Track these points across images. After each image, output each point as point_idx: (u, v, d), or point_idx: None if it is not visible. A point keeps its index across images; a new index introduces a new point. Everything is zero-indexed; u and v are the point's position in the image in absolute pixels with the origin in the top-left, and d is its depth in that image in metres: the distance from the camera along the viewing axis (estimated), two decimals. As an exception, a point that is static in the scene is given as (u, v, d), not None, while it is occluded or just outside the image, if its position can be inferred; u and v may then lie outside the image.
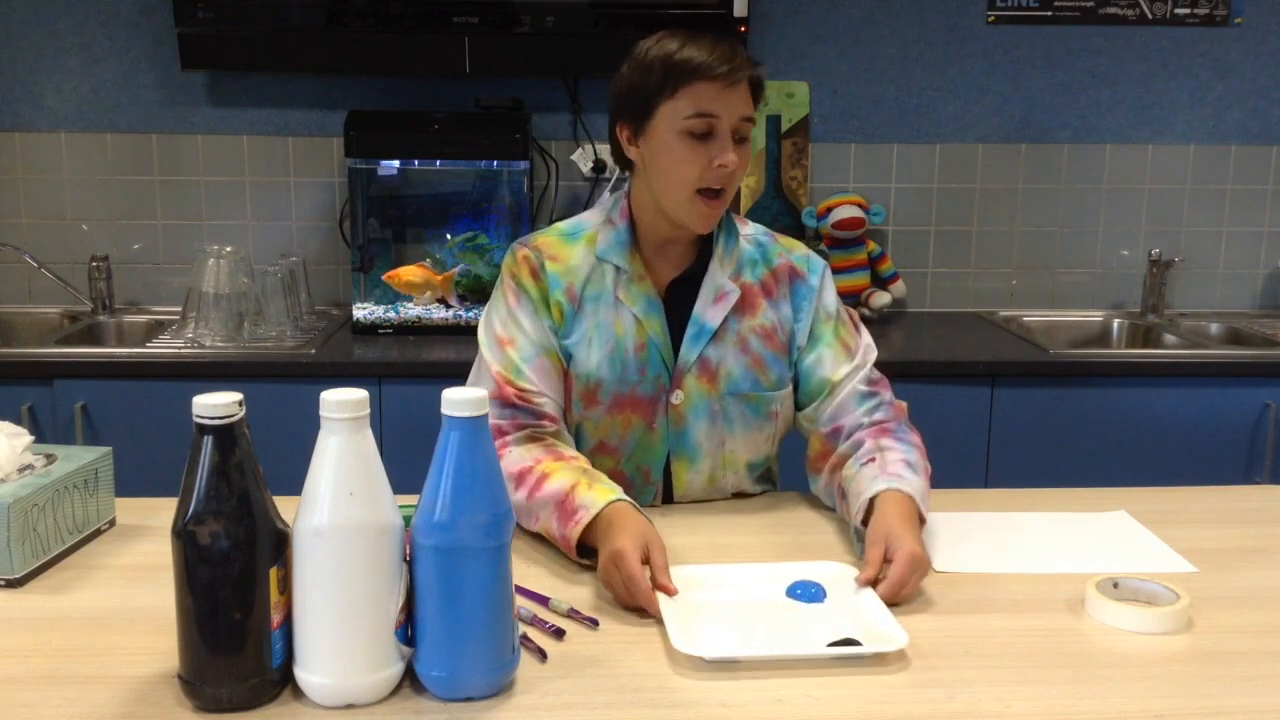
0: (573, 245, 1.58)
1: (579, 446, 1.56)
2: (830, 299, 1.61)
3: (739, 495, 1.64)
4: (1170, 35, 2.97)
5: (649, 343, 1.54)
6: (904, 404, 1.63)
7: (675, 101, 1.45)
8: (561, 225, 1.62)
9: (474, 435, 1.02)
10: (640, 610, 1.22)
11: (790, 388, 1.60)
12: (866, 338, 1.63)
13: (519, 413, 1.49)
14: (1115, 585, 1.25)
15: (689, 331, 1.55)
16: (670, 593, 1.23)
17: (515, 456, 1.45)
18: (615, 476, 1.55)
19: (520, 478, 1.42)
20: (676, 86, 1.44)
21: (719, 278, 1.56)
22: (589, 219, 1.62)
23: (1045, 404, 2.53)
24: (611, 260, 1.56)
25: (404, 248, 2.81)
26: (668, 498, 1.60)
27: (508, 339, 1.53)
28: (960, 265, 3.06)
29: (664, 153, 1.47)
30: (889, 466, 1.43)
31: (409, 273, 2.67)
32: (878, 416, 1.55)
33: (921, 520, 1.37)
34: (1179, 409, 2.54)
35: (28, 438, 1.36)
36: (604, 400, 1.54)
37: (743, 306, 1.57)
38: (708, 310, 1.55)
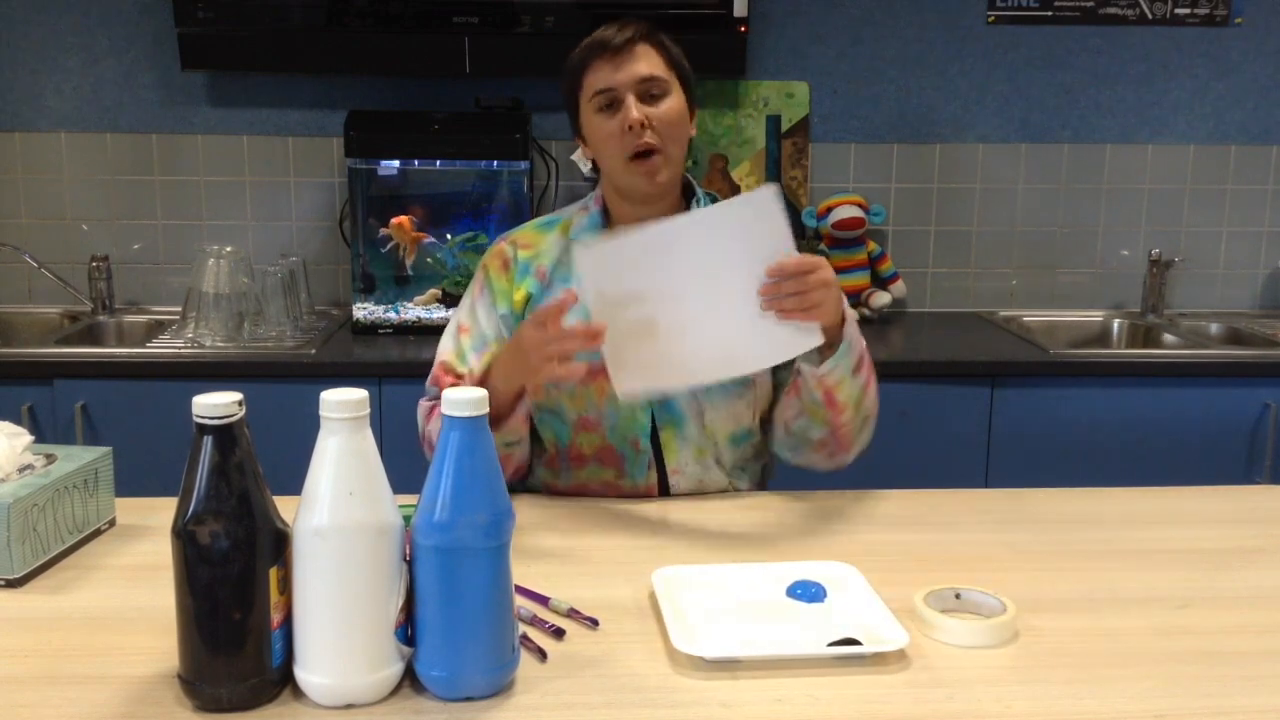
0: (547, 233, 1.68)
1: (560, 426, 1.61)
2: None
3: (735, 492, 1.65)
4: (1170, 35, 2.97)
5: None
6: None
7: (585, 92, 1.58)
8: (540, 218, 1.73)
9: (474, 435, 1.02)
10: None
11: None
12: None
13: None
14: (958, 596, 1.22)
15: None
16: (597, 330, 1.37)
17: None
18: (604, 451, 1.61)
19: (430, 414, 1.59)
20: (580, 78, 1.58)
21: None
22: (566, 210, 1.72)
23: (1045, 404, 2.53)
24: (583, 240, 1.61)
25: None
26: (661, 472, 1.62)
27: (466, 327, 1.65)
28: (960, 265, 3.06)
29: (593, 137, 1.59)
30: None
31: (408, 224, 2.68)
32: None
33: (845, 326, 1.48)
34: (1179, 409, 2.54)
35: (28, 438, 1.36)
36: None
37: None
38: None
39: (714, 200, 1.64)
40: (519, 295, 1.64)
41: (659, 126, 1.54)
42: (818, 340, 1.42)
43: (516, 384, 1.49)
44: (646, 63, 1.56)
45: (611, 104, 1.55)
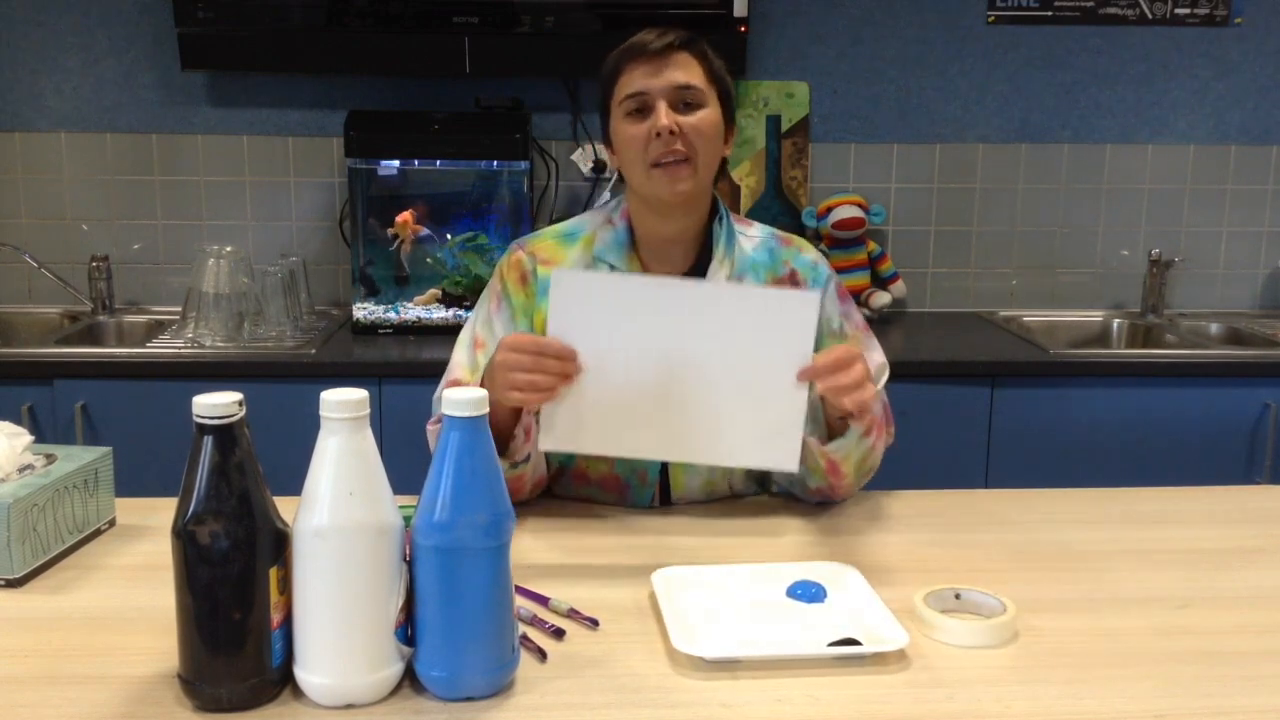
0: (569, 247, 1.59)
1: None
2: (832, 311, 1.59)
3: (735, 496, 1.64)
4: (1170, 35, 2.97)
5: None
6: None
7: (617, 96, 1.52)
8: (560, 226, 1.64)
9: (474, 435, 1.02)
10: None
11: None
12: (879, 357, 1.60)
13: None
14: (957, 596, 1.22)
15: None
16: (570, 356, 1.31)
17: None
18: (610, 479, 1.57)
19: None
20: (614, 81, 1.52)
21: (717, 280, 1.56)
22: (588, 221, 1.63)
23: (1045, 404, 2.53)
24: (608, 260, 1.56)
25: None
26: (665, 500, 1.60)
27: (481, 342, 1.58)
28: (960, 265, 3.06)
29: (618, 142, 1.54)
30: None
31: (410, 219, 2.70)
32: None
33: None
34: (1179, 409, 2.54)
35: (28, 438, 1.36)
36: None
37: None
38: None
39: (727, 216, 1.61)
40: (539, 317, 1.54)
41: (690, 136, 1.48)
42: (789, 469, 1.36)
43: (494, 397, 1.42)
44: (684, 71, 1.50)
45: (642, 109, 1.49)
